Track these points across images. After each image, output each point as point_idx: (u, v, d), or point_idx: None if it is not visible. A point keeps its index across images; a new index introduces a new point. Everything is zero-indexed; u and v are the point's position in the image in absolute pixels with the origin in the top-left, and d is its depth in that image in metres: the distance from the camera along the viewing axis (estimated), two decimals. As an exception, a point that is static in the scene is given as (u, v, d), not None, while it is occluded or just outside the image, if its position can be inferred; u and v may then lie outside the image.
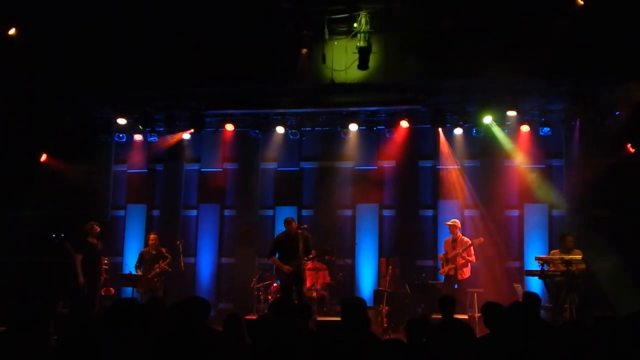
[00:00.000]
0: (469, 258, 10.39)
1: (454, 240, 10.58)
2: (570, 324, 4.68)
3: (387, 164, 12.64)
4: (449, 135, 12.01)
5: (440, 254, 10.88)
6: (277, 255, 9.71)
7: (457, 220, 10.78)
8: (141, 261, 10.66)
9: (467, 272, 10.41)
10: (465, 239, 10.58)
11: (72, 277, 10.09)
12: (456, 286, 10.36)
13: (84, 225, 10.41)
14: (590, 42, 9.11)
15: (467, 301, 10.64)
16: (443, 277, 10.69)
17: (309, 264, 10.16)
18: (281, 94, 11.29)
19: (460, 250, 10.33)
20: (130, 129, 12.39)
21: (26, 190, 11.56)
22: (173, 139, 12.51)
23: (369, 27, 9.45)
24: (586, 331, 4.35)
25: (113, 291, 10.98)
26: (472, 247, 10.45)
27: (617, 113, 10.84)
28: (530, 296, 5.87)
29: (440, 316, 6.01)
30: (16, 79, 10.16)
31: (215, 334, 4.74)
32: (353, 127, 11.94)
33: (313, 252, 9.94)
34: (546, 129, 11.47)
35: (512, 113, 11.26)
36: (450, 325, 5.25)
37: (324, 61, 9.96)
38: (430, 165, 12.44)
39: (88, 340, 3.44)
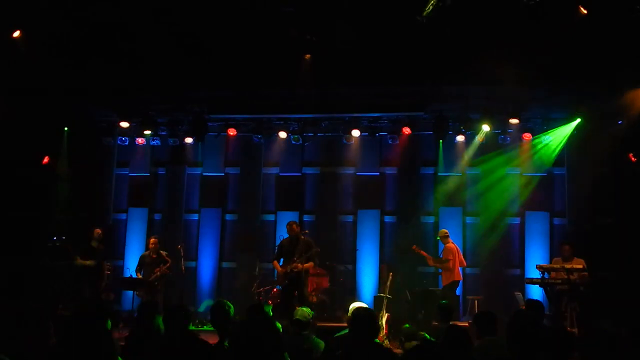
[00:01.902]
0: (443, 264, 10.32)
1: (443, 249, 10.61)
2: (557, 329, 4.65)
3: (389, 170, 12.65)
4: (451, 143, 12.02)
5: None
6: (281, 260, 9.70)
7: (443, 230, 10.76)
8: (142, 265, 10.65)
9: (449, 277, 10.29)
10: (449, 245, 10.50)
11: (98, 279, 10.27)
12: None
13: (87, 230, 10.46)
14: (593, 51, 9.13)
15: (466, 308, 10.65)
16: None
17: (310, 270, 10.10)
18: (284, 99, 11.31)
19: (441, 257, 10.41)
20: (132, 133, 12.41)
21: (28, 192, 11.57)
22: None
23: None
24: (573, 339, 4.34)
25: (113, 296, 10.96)
26: (446, 251, 10.39)
27: (619, 122, 10.85)
28: (534, 304, 5.87)
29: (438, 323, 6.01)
30: (19, 82, 10.19)
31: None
32: (355, 133, 11.96)
33: (311, 264, 9.80)
34: (548, 137, 11.47)
35: (514, 121, 11.27)
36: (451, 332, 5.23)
37: None
38: (432, 171, 12.44)
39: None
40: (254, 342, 3.41)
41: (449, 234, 10.67)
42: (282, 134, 12.20)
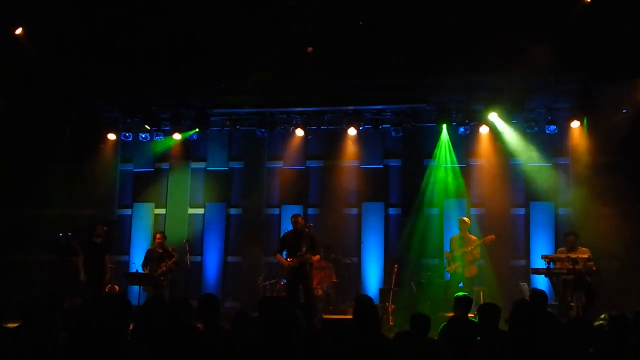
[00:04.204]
0: (478, 255, 10.37)
1: (462, 238, 10.53)
2: (577, 321, 4.68)
3: (393, 162, 12.64)
4: (454, 134, 11.99)
5: (447, 252, 10.80)
6: (284, 253, 9.71)
7: (468, 218, 10.77)
8: (147, 260, 10.68)
9: (474, 270, 10.38)
10: (473, 236, 10.55)
11: (76, 275, 10.22)
12: (461, 284, 10.31)
13: (88, 225, 10.50)
14: (597, 39, 9.09)
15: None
16: (449, 275, 10.64)
17: (315, 263, 10.12)
18: (287, 92, 11.30)
19: (471, 248, 10.30)
20: (136, 128, 12.41)
21: (34, 189, 11.62)
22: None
23: None
24: (592, 328, 4.36)
25: (117, 288, 11.00)
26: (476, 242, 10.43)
27: (623, 111, 10.81)
28: (538, 293, 5.87)
29: (452, 314, 6.01)
30: (23, 79, 10.21)
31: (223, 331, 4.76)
32: (358, 125, 11.94)
33: (318, 257, 9.85)
34: (552, 127, 11.43)
35: (518, 111, 11.24)
36: (461, 325, 5.25)
37: None
38: (436, 163, 12.41)
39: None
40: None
41: None
42: (286, 128, 12.21)
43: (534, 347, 4.07)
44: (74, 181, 12.04)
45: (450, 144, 12.08)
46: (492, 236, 10.45)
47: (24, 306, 5.24)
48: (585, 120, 11.28)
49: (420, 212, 12.19)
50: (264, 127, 12.26)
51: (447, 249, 10.96)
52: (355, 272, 12.10)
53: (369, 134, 12.27)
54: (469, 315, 6.33)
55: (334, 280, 11.20)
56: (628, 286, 10.02)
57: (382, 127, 12.07)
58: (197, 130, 12.36)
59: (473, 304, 10.34)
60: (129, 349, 4.21)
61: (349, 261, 11.91)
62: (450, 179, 12.23)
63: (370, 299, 5.31)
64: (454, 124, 11.77)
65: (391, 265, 11.21)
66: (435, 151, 12.22)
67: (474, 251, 10.32)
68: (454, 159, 12.22)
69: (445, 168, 12.27)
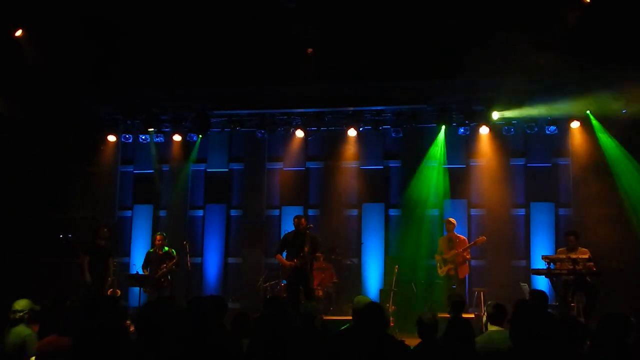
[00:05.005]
0: (468, 256, 10.40)
1: (450, 239, 10.55)
2: (575, 320, 4.69)
3: (393, 163, 12.64)
4: (454, 134, 11.99)
5: (437, 255, 10.73)
6: (284, 253, 9.71)
7: (454, 219, 10.79)
8: (148, 261, 10.68)
9: (466, 269, 10.41)
10: (462, 237, 10.57)
11: (80, 276, 10.21)
12: (454, 286, 10.32)
13: (93, 227, 10.50)
14: (597, 40, 9.09)
15: (472, 300, 10.65)
16: (442, 277, 10.62)
17: (315, 264, 10.12)
18: (287, 93, 11.31)
19: (461, 250, 10.33)
20: (136, 130, 12.42)
21: (34, 191, 11.63)
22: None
23: None
24: (590, 328, 4.36)
25: (119, 293, 10.99)
26: (465, 243, 10.43)
27: (623, 111, 10.81)
28: (538, 294, 5.86)
29: (448, 315, 6.00)
30: (23, 81, 10.22)
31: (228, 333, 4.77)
32: (358, 126, 11.94)
33: (320, 256, 9.87)
34: (552, 128, 11.43)
35: (517, 112, 11.24)
36: (458, 324, 5.24)
37: None
38: (437, 164, 12.41)
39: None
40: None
41: None
42: (285, 129, 12.23)
43: (535, 347, 4.07)
44: (74, 183, 12.04)
45: (444, 145, 12.05)
46: (483, 237, 10.47)
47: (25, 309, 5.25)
48: (591, 118, 11.25)
49: (420, 213, 12.20)
50: (264, 129, 12.27)
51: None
52: (355, 273, 12.10)
53: (369, 134, 12.27)
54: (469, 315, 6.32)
55: (335, 281, 11.21)
56: (628, 287, 10.02)
57: (382, 127, 12.08)
58: (200, 136, 12.43)
59: (474, 305, 10.50)
60: (131, 351, 4.21)
61: (349, 262, 11.91)
62: (444, 180, 12.22)
63: (370, 300, 5.31)
64: (454, 124, 11.77)
65: (392, 266, 11.20)
66: (432, 152, 12.25)
67: (464, 252, 10.35)
68: (455, 160, 12.22)
69: (446, 169, 12.28)
